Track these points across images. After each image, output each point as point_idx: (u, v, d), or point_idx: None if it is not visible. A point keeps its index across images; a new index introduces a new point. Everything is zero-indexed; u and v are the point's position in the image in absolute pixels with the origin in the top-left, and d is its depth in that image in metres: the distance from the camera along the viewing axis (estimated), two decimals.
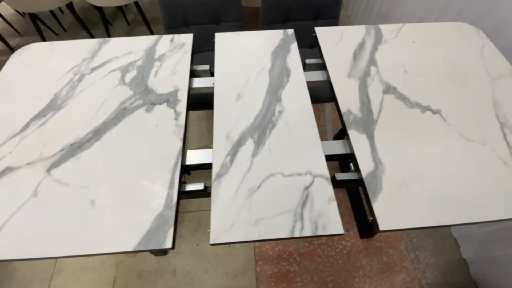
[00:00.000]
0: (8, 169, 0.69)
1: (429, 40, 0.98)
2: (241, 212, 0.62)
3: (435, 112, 0.79)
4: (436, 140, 0.73)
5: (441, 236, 1.37)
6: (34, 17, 1.96)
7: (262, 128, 0.75)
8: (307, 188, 0.66)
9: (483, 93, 0.83)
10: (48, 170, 0.68)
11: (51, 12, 2.29)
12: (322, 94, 1.04)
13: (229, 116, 0.78)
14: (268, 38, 0.98)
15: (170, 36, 0.99)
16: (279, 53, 0.93)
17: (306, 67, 0.98)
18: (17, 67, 0.91)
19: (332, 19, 1.37)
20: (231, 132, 0.74)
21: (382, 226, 0.60)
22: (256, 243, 1.34)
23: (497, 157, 0.71)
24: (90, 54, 0.94)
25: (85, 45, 0.97)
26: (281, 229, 0.60)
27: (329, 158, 0.75)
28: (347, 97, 0.82)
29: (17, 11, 2.54)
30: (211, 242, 0.58)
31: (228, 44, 0.97)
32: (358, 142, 0.73)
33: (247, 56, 0.93)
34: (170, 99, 0.82)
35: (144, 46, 0.96)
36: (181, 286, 1.23)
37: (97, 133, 0.75)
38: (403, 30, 1.01)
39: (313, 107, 0.80)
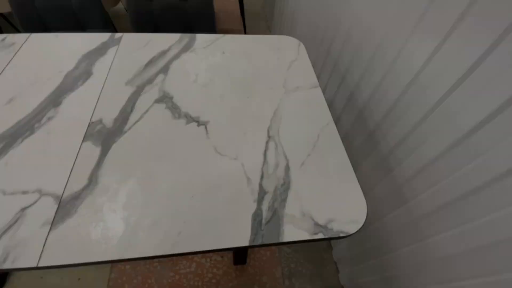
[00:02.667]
0: None
1: (240, 51, 0.92)
2: None
3: (200, 124, 0.70)
4: (184, 154, 0.64)
5: (321, 260, 1.27)
6: None
7: (15, 136, 0.63)
8: (24, 209, 0.53)
9: (267, 106, 0.77)
10: None
11: None
12: None
13: None
14: (88, 41, 0.89)
15: (3, 35, 0.87)
16: (91, 56, 0.84)
17: None
18: None
19: (209, 32, 1.32)
20: None
21: (45, 260, 0.48)
22: (112, 275, 1.16)
23: (243, 174, 0.62)
24: None
25: None
26: None
27: None
28: (108, 105, 0.72)
29: None
30: None
31: (39, 45, 0.86)
32: (87, 156, 0.61)
33: (51, 58, 0.82)
34: None
35: None
36: None
37: None
38: (221, 40, 0.96)
39: None
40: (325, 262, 1.26)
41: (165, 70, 0.83)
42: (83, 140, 0.64)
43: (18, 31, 2.18)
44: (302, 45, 0.98)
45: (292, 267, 1.24)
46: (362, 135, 0.96)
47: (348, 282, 1.17)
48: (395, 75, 0.74)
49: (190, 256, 1.24)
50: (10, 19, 2.19)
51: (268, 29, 2.54)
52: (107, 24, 1.26)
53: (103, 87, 0.76)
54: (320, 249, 1.29)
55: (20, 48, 0.84)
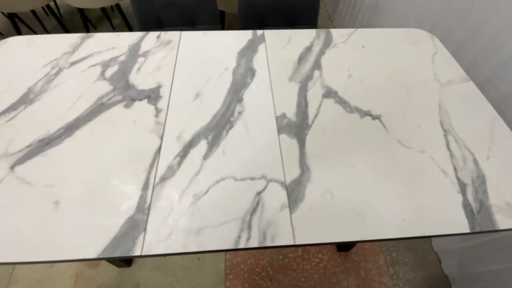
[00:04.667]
0: None
1: (379, 45, 0.94)
2: (182, 220, 0.55)
3: (374, 117, 0.74)
4: (371, 146, 0.68)
5: (422, 250, 1.30)
6: (13, 18, 1.92)
7: (218, 128, 0.70)
8: (259, 193, 0.60)
9: (429, 100, 0.79)
10: (12, 167, 0.61)
11: (34, 14, 2.25)
12: None
13: (184, 116, 0.72)
14: (236, 38, 0.94)
15: (157, 33, 0.95)
16: (245, 53, 0.89)
17: None
18: None
19: (310, 26, 1.35)
20: (184, 133, 0.69)
21: (299, 239, 0.54)
22: (227, 256, 1.26)
23: (436, 166, 0.65)
24: (71, 48, 0.88)
25: (66, 39, 0.91)
26: (225, 240, 0.53)
27: None
28: (284, 100, 0.77)
29: (2, 12, 2.50)
30: (143, 253, 0.52)
31: (193, 43, 0.92)
32: (287, 147, 0.67)
33: (211, 55, 0.88)
34: (151, 95, 0.76)
35: (129, 42, 0.91)
36: None
37: (69, 128, 0.68)
38: (355, 34, 0.98)
39: None
40: (426, 252, 1.30)
41: (317, 66, 0.87)
42: (278, 133, 0.70)
43: (87, 29, 2.27)
44: (435, 38, 0.98)
45: (394, 256, 1.29)
46: None
47: (456, 271, 1.20)
48: None
49: None
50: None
51: (329, 20, 2.52)
52: (216, 20, 1.32)
53: (271, 83, 0.81)
54: (419, 240, 1.33)
55: (178, 45, 0.91)
